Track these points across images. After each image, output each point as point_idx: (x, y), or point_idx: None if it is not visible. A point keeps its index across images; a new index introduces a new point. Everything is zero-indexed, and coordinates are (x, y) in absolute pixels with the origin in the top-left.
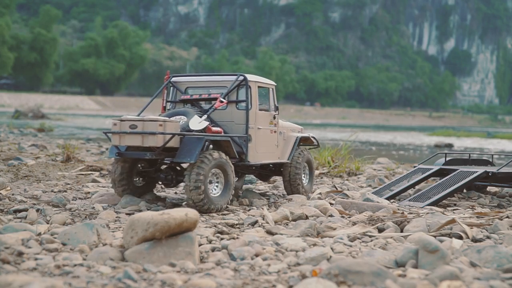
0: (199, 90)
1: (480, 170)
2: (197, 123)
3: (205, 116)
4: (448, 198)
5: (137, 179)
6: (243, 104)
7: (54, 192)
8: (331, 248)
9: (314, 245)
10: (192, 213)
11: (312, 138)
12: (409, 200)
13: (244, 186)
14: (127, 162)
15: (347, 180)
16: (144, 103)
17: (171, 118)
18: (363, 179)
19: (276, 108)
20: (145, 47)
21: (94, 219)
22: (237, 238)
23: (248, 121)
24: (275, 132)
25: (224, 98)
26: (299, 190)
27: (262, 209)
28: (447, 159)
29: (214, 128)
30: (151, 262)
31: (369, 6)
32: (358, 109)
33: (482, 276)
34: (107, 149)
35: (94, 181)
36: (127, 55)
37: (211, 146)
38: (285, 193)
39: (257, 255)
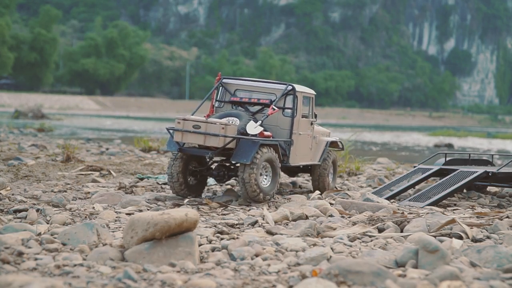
0: (247, 93)
1: (480, 170)
2: (253, 127)
3: (260, 122)
4: (448, 198)
5: (189, 178)
6: (289, 111)
7: (54, 192)
8: (331, 248)
9: (314, 245)
10: (192, 213)
11: (338, 142)
12: (409, 200)
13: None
14: (183, 161)
15: (347, 180)
16: (144, 103)
17: (223, 119)
18: (363, 179)
19: (315, 115)
20: (145, 47)
21: (94, 219)
22: (237, 238)
23: (293, 127)
24: (310, 136)
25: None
26: (325, 188)
27: (262, 209)
28: (447, 159)
29: (265, 133)
30: (151, 262)
31: (369, 6)
32: (358, 109)
33: (482, 276)
34: (107, 149)
35: (94, 181)
36: (127, 55)
37: None
38: (285, 193)
39: (257, 255)
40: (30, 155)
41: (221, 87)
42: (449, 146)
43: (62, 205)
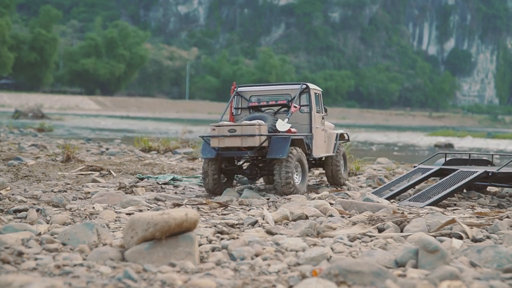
0: (262, 98)
1: (480, 170)
2: (282, 125)
3: (287, 119)
4: (448, 198)
5: (222, 176)
6: (305, 108)
7: (54, 192)
8: (331, 248)
9: (314, 245)
10: (192, 213)
11: (345, 134)
12: (409, 200)
13: (244, 186)
14: (216, 162)
15: (347, 180)
16: (144, 103)
17: (253, 121)
18: (363, 179)
19: (325, 110)
20: (145, 47)
21: (94, 219)
22: (237, 238)
23: (311, 122)
24: (323, 130)
25: (293, 104)
26: (339, 178)
27: (262, 209)
28: (447, 159)
29: (292, 129)
30: (151, 262)
31: (369, 6)
32: (358, 109)
33: (482, 276)
34: (107, 149)
35: (94, 181)
36: (127, 55)
37: None
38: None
39: (257, 255)
40: (30, 155)
41: (237, 96)
42: (449, 146)
43: (62, 205)
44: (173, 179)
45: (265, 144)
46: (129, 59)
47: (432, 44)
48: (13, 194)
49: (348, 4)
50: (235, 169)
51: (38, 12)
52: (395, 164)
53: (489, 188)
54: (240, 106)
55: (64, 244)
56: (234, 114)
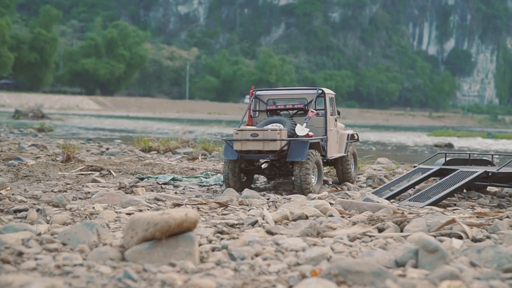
0: (280, 101)
1: (480, 170)
2: (301, 130)
3: (305, 124)
4: (448, 198)
5: (242, 175)
6: (320, 111)
7: (54, 192)
8: (331, 248)
9: (314, 245)
10: (192, 213)
11: (355, 135)
12: (409, 200)
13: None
14: (238, 163)
15: (357, 178)
16: (144, 103)
17: (269, 126)
18: (363, 179)
19: (338, 113)
20: (145, 47)
21: (94, 219)
22: (237, 238)
23: (327, 125)
24: (336, 132)
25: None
26: (350, 177)
27: (262, 209)
28: (447, 159)
29: (309, 133)
30: (151, 262)
31: (369, 6)
32: (358, 109)
33: (482, 276)
34: (107, 149)
35: (94, 181)
36: (127, 55)
37: None
38: (285, 193)
39: (257, 255)
40: (30, 155)
41: (255, 99)
42: (449, 146)
43: (62, 205)
44: (173, 179)
45: (285, 147)
46: (129, 59)
47: (432, 44)
48: (13, 194)
49: (348, 4)
50: (254, 169)
51: (38, 12)
52: (395, 164)
53: (489, 188)
54: (258, 109)
55: (64, 244)
56: (252, 116)
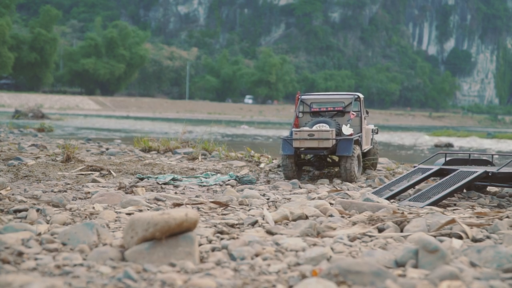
0: (321, 104)
1: (480, 170)
2: (347, 130)
3: (349, 124)
4: (448, 198)
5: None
6: (356, 112)
7: (54, 192)
8: (331, 248)
9: (314, 245)
10: (192, 213)
11: (376, 129)
12: (409, 200)
13: (244, 186)
14: (293, 157)
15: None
16: (144, 103)
17: (316, 125)
18: (363, 179)
19: (367, 112)
20: (145, 47)
21: (94, 219)
22: (237, 238)
23: (362, 124)
24: (365, 128)
25: (350, 112)
26: (375, 167)
27: (262, 209)
28: (447, 159)
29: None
30: (151, 262)
31: (369, 6)
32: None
33: (482, 276)
34: (107, 149)
35: (94, 181)
36: (127, 55)
37: None
38: (285, 193)
39: (257, 255)
40: (30, 155)
41: (300, 102)
42: (449, 146)
43: (62, 205)
44: (173, 179)
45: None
46: (129, 59)
47: (432, 44)
48: (13, 194)
49: (348, 4)
50: (305, 162)
51: (38, 12)
52: (395, 164)
53: (489, 188)
54: (303, 111)
55: (64, 244)
56: (298, 117)
